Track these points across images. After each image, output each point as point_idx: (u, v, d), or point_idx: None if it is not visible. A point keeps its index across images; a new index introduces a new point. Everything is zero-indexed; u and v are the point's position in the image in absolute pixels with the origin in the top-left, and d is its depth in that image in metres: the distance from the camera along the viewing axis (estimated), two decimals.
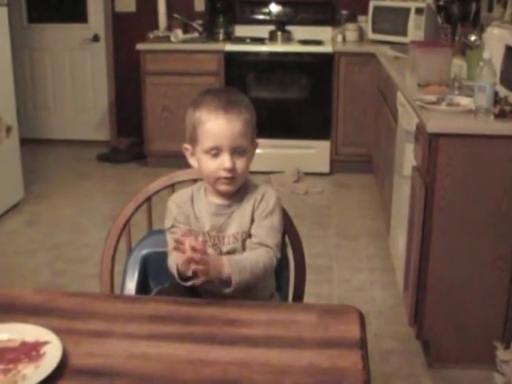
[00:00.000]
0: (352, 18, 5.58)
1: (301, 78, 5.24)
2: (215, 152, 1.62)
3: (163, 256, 1.72)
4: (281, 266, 1.78)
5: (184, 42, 5.31)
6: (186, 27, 5.51)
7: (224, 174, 1.63)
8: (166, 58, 5.24)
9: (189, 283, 1.60)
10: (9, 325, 1.37)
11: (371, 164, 5.11)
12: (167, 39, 5.36)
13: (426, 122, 2.60)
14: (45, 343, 1.30)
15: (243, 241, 1.68)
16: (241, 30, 5.58)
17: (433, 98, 2.87)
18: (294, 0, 5.63)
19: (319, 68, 5.16)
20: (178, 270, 1.59)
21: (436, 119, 2.60)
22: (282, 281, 1.89)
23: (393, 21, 5.15)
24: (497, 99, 2.61)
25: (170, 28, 5.52)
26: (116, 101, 6.09)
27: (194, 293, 1.67)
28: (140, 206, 1.96)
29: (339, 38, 5.46)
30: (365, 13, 5.44)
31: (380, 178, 4.47)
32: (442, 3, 4.68)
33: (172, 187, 1.95)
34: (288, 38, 5.43)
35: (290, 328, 1.43)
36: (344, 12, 5.59)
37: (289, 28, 5.50)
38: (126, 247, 1.95)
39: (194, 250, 1.48)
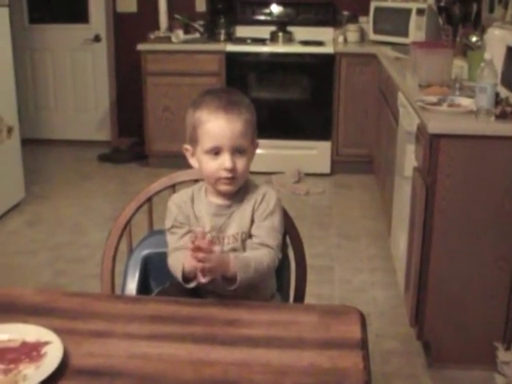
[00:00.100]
0: (353, 19, 5.58)
1: (302, 78, 5.24)
2: (216, 152, 1.62)
3: (164, 256, 1.72)
4: (282, 267, 1.78)
5: (185, 42, 5.31)
6: (187, 28, 5.51)
7: (224, 174, 1.63)
8: (167, 58, 5.24)
9: (192, 285, 1.60)
10: (9, 325, 1.37)
11: (372, 165, 5.11)
12: (168, 40, 5.37)
13: (427, 122, 2.60)
14: (45, 343, 1.30)
15: (243, 241, 1.68)
16: (242, 31, 5.59)
17: (434, 98, 2.87)
18: (295, 1, 5.63)
19: (320, 69, 5.16)
20: (183, 272, 1.60)
21: (437, 120, 2.60)
22: (282, 281, 1.89)
23: (394, 22, 5.15)
24: (498, 100, 2.61)
25: (171, 28, 5.53)
26: (117, 101, 6.09)
27: (194, 293, 1.67)
28: (141, 206, 1.96)
29: (340, 38, 5.46)
30: (366, 14, 5.44)
31: (381, 178, 4.47)
32: (443, 4, 4.68)
33: (173, 187, 1.95)
34: (289, 39, 5.43)
35: (290, 328, 1.43)
36: (345, 13, 5.59)
37: (290, 29, 5.50)
38: (127, 247, 1.95)
39: (199, 249, 1.48)
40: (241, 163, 1.64)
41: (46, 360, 1.25)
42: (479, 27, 4.09)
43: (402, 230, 3.21)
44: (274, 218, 1.68)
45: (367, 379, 1.25)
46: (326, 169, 5.34)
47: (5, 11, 4.35)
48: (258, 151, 1.74)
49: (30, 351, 1.28)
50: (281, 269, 1.79)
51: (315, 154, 5.30)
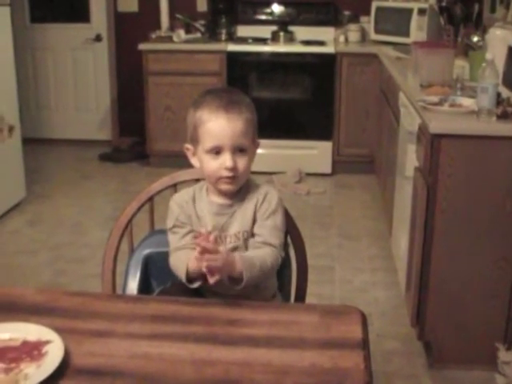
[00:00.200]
0: (354, 19, 5.58)
1: (303, 78, 5.24)
2: (216, 151, 1.62)
3: (165, 256, 1.72)
4: (283, 266, 1.78)
5: (186, 42, 5.31)
6: (188, 27, 5.51)
7: (225, 173, 1.63)
8: (169, 58, 5.24)
9: (195, 285, 1.60)
10: (11, 324, 1.37)
11: (373, 165, 5.11)
12: (169, 39, 5.37)
13: (428, 122, 2.59)
14: (47, 342, 1.30)
15: (245, 240, 1.69)
16: (243, 31, 5.59)
17: (435, 98, 2.87)
18: (297, 0, 5.63)
19: (321, 68, 5.15)
20: (187, 272, 1.60)
21: (438, 120, 2.60)
22: (283, 281, 1.89)
23: (395, 21, 5.15)
24: (499, 100, 2.61)
25: (172, 28, 5.52)
26: (118, 101, 6.09)
27: (196, 293, 1.67)
28: (142, 205, 1.96)
29: (341, 38, 5.45)
30: (367, 13, 5.44)
31: (382, 178, 4.47)
32: (444, 4, 4.67)
33: (174, 187, 1.95)
34: (290, 39, 5.43)
35: (291, 328, 1.43)
36: (346, 12, 5.59)
37: (291, 28, 5.50)
38: (128, 247, 1.95)
39: (205, 250, 1.48)
40: (242, 162, 1.64)
41: (47, 359, 1.25)
42: (481, 27, 4.09)
43: (403, 230, 3.21)
44: (276, 217, 1.68)
45: (368, 379, 1.25)
46: (327, 169, 5.34)
47: (6, 10, 4.35)
48: (259, 151, 1.74)
49: (31, 350, 1.28)
50: (282, 268, 1.78)
51: (316, 153, 5.30)
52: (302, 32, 5.51)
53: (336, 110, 5.24)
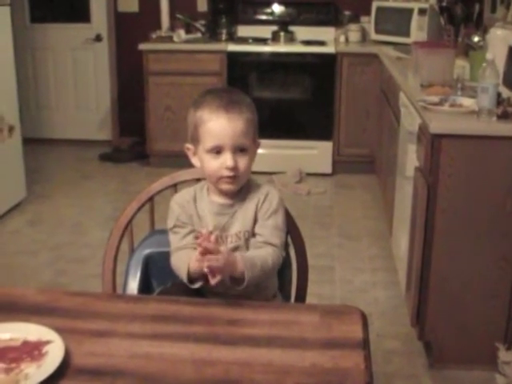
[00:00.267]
0: (355, 19, 5.58)
1: (303, 78, 5.23)
2: (217, 151, 1.62)
3: (166, 256, 1.72)
4: (283, 266, 1.78)
5: (186, 42, 5.31)
6: (188, 27, 5.51)
7: (226, 172, 1.63)
8: (169, 58, 5.24)
9: (197, 285, 1.60)
10: (11, 324, 1.37)
11: (373, 165, 5.11)
12: (170, 39, 5.37)
13: (428, 122, 2.59)
14: (47, 342, 1.30)
15: (246, 240, 1.69)
16: (243, 31, 5.59)
17: (435, 98, 2.87)
18: (297, 0, 5.63)
19: (322, 68, 5.15)
20: (188, 272, 1.60)
21: (439, 120, 2.60)
22: (284, 281, 1.89)
23: (395, 21, 5.15)
24: (500, 100, 2.61)
25: (172, 28, 5.52)
26: (118, 100, 6.09)
27: (196, 293, 1.67)
28: (142, 205, 1.96)
29: (342, 38, 5.45)
30: (367, 13, 5.44)
31: (382, 178, 4.47)
32: (444, 4, 4.67)
33: (174, 187, 1.95)
34: (290, 39, 5.43)
35: (292, 328, 1.43)
36: (347, 12, 5.59)
37: (291, 28, 5.50)
38: (129, 247, 1.95)
39: (206, 250, 1.48)
40: (242, 162, 1.64)
41: (48, 359, 1.25)
42: (481, 27, 4.09)
43: (403, 230, 3.21)
44: (278, 217, 1.69)
45: (369, 379, 1.25)
46: (328, 169, 5.33)
47: (6, 10, 4.35)
48: (260, 151, 1.74)
49: (32, 350, 1.28)
50: (282, 268, 1.78)
51: (316, 153, 5.30)
52: (302, 32, 5.51)
53: (336, 110, 5.24)
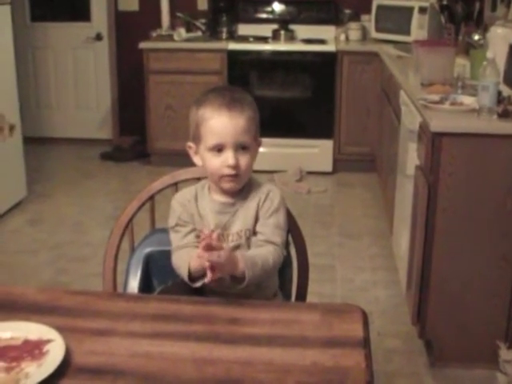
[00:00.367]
0: (355, 17, 5.57)
1: (304, 76, 5.23)
2: (219, 149, 1.62)
3: (166, 255, 1.72)
4: (284, 265, 1.78)
5: (187, 40, 5.31)
6: (189, 26, 5.51)
7: (228, 171, 1.63)
8: (169, 56, 5.24)
9: (198, 284, 1.60)
10: (12, 323, 1.37)
11: (374, 163, 5.11)
12: (170, 38, 5.36)
13: (429, 121, 2.59)
14: (48, 341, 1.30)
15: (247, 238, 1.69)
16: (244, 29, 5.58)
17: (436, 97, 2.87)
18: None
19: (322, 67, 5.15)
20: (189, 270, 1.60)
21: (439, 118, 2.60)
22: (285, 279, 1.88)
23: (396, 20, 5.14)
24: (500, 98, 2.61)
25: (173, 27, 5.52)
26: (119, 99, 6.09)
27: (197, 292, 1.67)
28: (143, 204, 1.96)
29: (342, 36, 5.45)
30: (368, 12, 5.43)
31: (383, 177, 4.47)
32: (445, 2, 4.67)
33: (175, 186, 1.95)
34: (291, 37, 5.42)
35: (293, 327, 1.43)
36: (347, 11, 5.59)
37: (292, 27, 5.49)
38: (129, 246, 1.95)
39: (209, 246, 1.48)
40: (244, 160, 1.64)
41: (48, 358, 1.25)
42: (481, 26, 4.09)
43: (403, 229, 3.21)
44: (279, 216, 1.69)
45: (369, 378, 1.24)
46: (328, 167, 5.33)
47: (7, 9, 4.35)
48: (260, 150, 1.74)
49: (32, 349, 1.28)
50: (283, 267, 1.78)
51: (317, 152, 5.29)
52: (302, 30, 5.50)
53: (337, 109, 5.24)
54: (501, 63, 2.86)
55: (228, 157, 1.62)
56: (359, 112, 5.24)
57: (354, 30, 5.45)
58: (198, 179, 1.85)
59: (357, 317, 1.46)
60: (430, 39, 4.63)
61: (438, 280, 2.69)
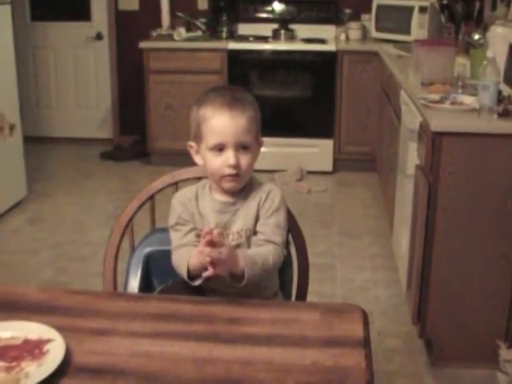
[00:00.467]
0: (355, 17, 5.57)
1: (304, 76, 5.23)
2: (220, 148, 1.62)
3: (166, 254, 1.72)
4: (284, 265, 1.78)
5: (187, 40, 5.31)
6: (189, 25, 5.51)
7: (228, 170, 1.63)
8: (169, 56, 5.24)
9: (197, 282, 1.60)
10: (12, 322, 1.37)
11: (374, 163, 5.11)
12: (170, 37, 5.36)
13: (429, 120, 2.59)
14: (48, 341, 1.30)
15: (247, 238, 1.68)
16: (244, 29, 5.58)
17: (436, 96, 2.87)
18: None
19: (322, 66, 5.15)
20: (188, 269, 1.60)
21: (439, 118, 2.60)
22: (285, 279, 1.88)
23: (396, 19, 5.14)
24: (500, 98, 2.61)
25: (173, 26, 5.52)
26: (119, 99, 6.09)
27: (197, 291, 1.67)
28: (143, 204, 1.96)
29: (342, 36, 5.45)
30: (368, 11, 5.43)
31: (383, 176, 4.47)
32: (445, 2, 4.67)
33: (175, 185, 1.95)
34: (291, 37, 5.42)
35: (293, 326, 1.43)
36: (347, 10, 5.59)
37: (292, 26, 5.49)
38: (129, 245, 1.95)
39: (210, 242, 1.48)
40: (245, 160, 1.64)
41: (49, 358, 1.25)
42: (482, 25, 4.09)
43: (404, 228, 3.21)
44: (279, 215, 1.69)
45: (369, 378, 1.24)
46: (328, 167, 5.33)
47: (7, 8, 4.35)
48: (260, 149, 1.74)
49: (33, 349, 1.28)
50: (283, 267, 1.78)
51: (317, 151, 5.29)
52: (302, 30, 5.50)
53: (337, 108, 5.23)
54: (501, 63, 2.86)
55: (229, 156, 1.62)
56: (359, 111, 5.24)
57: (354, 30, 5.45)
58: (198, 179, 1.85)
59: (357, 316, 1.46)
60: (430, 39, 4.63)
61: (438, 280, 2.69)
